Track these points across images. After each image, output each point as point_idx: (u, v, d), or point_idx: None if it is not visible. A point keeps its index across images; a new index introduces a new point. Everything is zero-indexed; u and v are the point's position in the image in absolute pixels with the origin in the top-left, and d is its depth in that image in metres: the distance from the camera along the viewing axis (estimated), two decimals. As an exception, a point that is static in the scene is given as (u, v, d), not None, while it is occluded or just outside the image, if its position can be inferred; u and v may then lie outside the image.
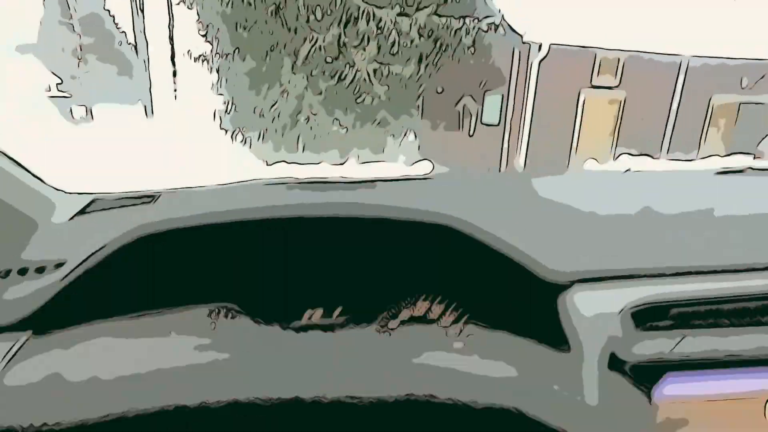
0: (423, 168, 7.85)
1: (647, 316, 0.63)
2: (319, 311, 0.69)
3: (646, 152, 8.85)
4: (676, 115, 8.87)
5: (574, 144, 8.36)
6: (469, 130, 8.97)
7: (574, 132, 8.28)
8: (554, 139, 8.24)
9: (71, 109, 25.79)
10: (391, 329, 0.69)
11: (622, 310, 0.63)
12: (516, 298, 0.68)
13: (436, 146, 10.33)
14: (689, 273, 0.67)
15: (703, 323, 0.64)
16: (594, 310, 0.62)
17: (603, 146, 8.58)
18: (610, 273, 0.67)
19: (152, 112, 23.58)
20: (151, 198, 0.88)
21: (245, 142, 8.98)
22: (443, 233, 0.66)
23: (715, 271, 0.68)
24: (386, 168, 7.68)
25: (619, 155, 8.65)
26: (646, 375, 0.53)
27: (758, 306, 0.65)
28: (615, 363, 0.57)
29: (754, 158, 6.85)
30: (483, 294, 0.70)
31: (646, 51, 8.12)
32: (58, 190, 0.76)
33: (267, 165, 8.09)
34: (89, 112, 25.24)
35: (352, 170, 7.60)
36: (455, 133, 9.42)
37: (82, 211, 0.75)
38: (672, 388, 0.50)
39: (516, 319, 0.68)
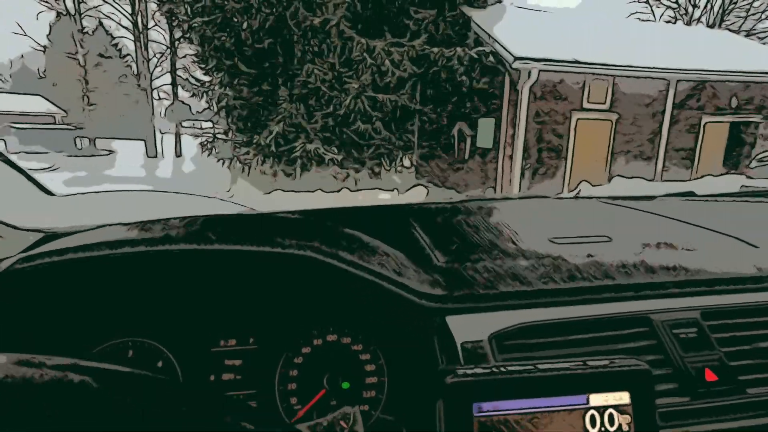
0: (418, 193, 7.92)
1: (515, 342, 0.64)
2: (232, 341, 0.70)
3: (640, 174, 8.91)
4: (668, 136, 8.96)
5: (568, 166, 8.44)
6: (464, 154, 9.07)
7: (567, 154, 8.36)
8: (548, 162, 8.31)
9: (75, 140, 26.15)
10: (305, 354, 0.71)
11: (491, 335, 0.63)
12: (402, 325, 0.69)
13: (431, 171, 10.44)
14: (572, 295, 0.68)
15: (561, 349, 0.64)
16: (463, 336, 0.63)
17: (597, 168, 8.64)
18: (482, 298, 0.67)
19: (155, 150, 23.87)
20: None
21: (242, 170, 9.10)
22: (310, 264, 0.67)
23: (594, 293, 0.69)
24: (382, 195, 7.74)
25: (613, 177, 8.70)
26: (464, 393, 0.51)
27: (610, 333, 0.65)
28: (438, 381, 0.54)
29: (747, 177, 6.88)
30: (378, 323, 0.72)
31: (635, 72, 8.28)
32: (7, 225, 0.75)
33: (264, 194, 8.17)
34: (93, 143, 25.60)
35: (348, 197, 7.66)
36: (450, 158, 9.52)
37: (30, 249, 0.76)
38: (489, 405, 0.49)
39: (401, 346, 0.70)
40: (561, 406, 0.50)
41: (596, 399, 0.51)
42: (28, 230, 0.77)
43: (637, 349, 0.64)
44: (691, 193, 1.32)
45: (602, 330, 0.65)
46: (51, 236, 0.77)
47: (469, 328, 0.64)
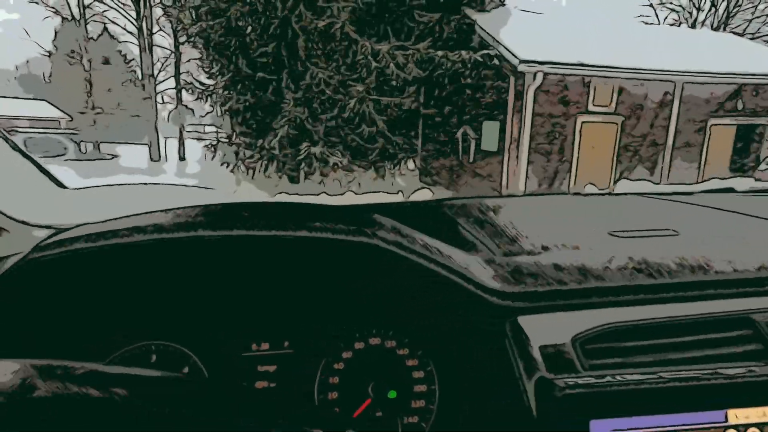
0: (423, 196, 7.89)
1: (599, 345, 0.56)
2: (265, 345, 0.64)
3: (646, 177, 8.85)
4: (674, 139, 8.91)
5: (573, 169, 8.39)
6: (469, 158, 9.05)
7: (572, 157, 8.33)
8: (553, 164, 8.28)
9: (79, 144, 26.30)
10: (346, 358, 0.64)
11: (574, 338, 0.56)
12: (463, 326, 0.62)
13: (435, 174, 10.41)
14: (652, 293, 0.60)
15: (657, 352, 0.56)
16: (542, 339, 0.56)
17: (602, 171, 8.60)
18: (560, 295, 0.60)
19: (158, 154, 24.00)
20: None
21: (247, 173, 9.10)
22: (373, 253, 0.59)
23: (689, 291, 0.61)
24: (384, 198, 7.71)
25: (619, 179, 8.65)
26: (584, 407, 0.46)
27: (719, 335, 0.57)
28: (547, 392, 0.49)
29: (756, 180, 6.81)
30: (431, 323, 0.65)
31: (640, 75, 8.24)
32: (17, 221, 0.70)
33: (268, 197, 8.16)
34: (97, 147, 25.74)
35: (351, 200, 7.64)
36: (454, 161, 9.50)
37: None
38: (614, 423, 0.44)
39: (467, 351, 0.63)
40: (694, 425, 0.43)
41: (736, 415, 0.44)
42: (38, 226, 0.73)
43: (741, 355, 0.56)
44: (730, 190, 1.27)
45: (699, 333, 0.57)
46: (62, 233, 0.73)
47: (546, 329, 0.57)
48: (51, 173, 0.90)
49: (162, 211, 0.69)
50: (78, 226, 0.71)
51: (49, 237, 0.62)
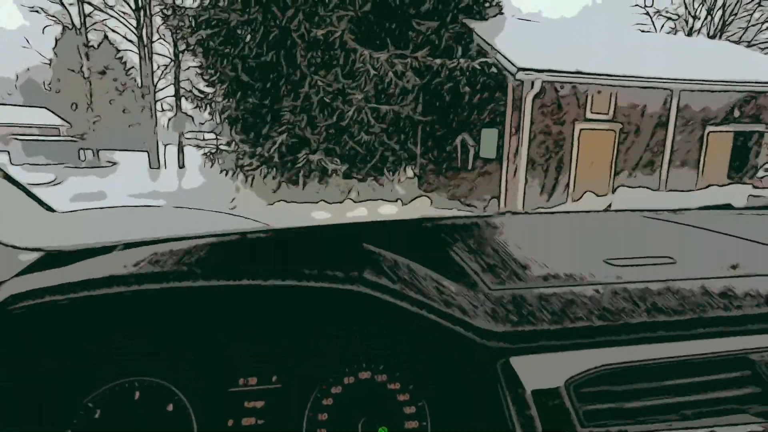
0: (422, 204, 7.89)
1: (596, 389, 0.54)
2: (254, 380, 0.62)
3: (645, 184, 8.87)
4: (672, 146, 8.94)
5: (572, 176, 8.41)
6: (468, 165, 9.06)
7: (571, 165, 8.34)
8: (551, 171, 8.29)
9: (79, 152, 26.30)
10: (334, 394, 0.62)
11: (567, 381, 0.54)
12: (454, 366, 0.61)
13: (434, 182, 10.42)
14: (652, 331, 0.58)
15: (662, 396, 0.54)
16: (534, 383, 0.57)
17: (600, 178, 8.61)
18: (554, 335, 0.58)
19: (158, 162, 24.03)
20: (110, 250, 0.79)
21: (246, 181, 9.11)
22: (358, 300, 0.58)
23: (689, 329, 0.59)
24: (383, 206, 7.72)
25: (617, 187, 8.66)
26: None
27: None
28: None
29: (754, 187, 6.83)
30: (421, 360, 0.64)
31: (637, 83, 8.28)
32: (5, 245, 0.69)
33: (267, 205, 8.16)
34: (96, 154, 25.76)
35: (350, 207, 7.63)
36: (453, 168, 9.51)
37: (30, 269, 0.69)
38: None
39: (457, 390, 0.61)
40: None
41: None
42: (27, 249, 0.72)
43: (741, 399, 0.54)
44: (729, 206, 1.25)
45: (696, 374, 0.56)
46: (52, 255, 0.72)
47: (539, 371, 0.55)
48: (39, 197, 0.89)
49: (143, 245, 0.68)
50: (59, 252, 0.70)
51: (33, 265, 0.62)
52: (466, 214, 1.15)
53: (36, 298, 0.55)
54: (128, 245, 0.79)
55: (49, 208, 0.92)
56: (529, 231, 1.01)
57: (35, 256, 0.72)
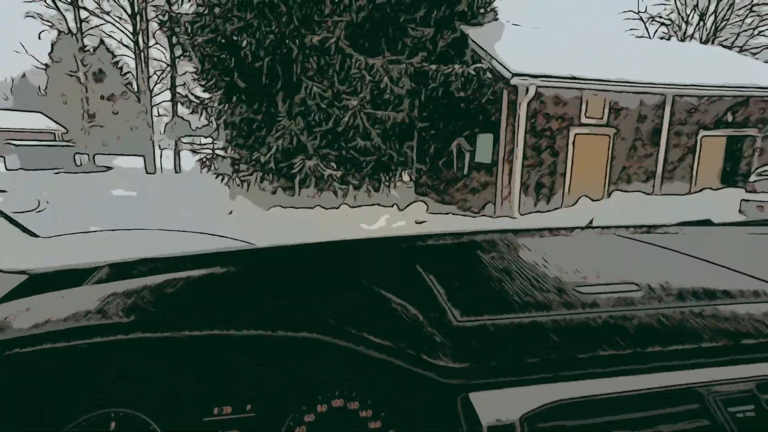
0: (418, 209, 7.91)
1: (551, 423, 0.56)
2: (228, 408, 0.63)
3: (639, 188, 8.93)
4: (666, 151, 9.01)
5: (567, 181, 8.46)
6: (463, 170, 9.10)
7: (566, 169, 8.39)
8: (547, 176, 8.33)
9: (75, 157, 26.17)
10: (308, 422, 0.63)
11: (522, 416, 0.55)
12: (417, 402, 0.62)
13: (430, 187, 10.45)
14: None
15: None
16: (491, 418, 0.56)
17: (595, 182, 8.66)
18: (513, 371, 0.60)
19: (154, 167, 23.97)
20: (93, 271, 0.80)
21: (242, 187, 9.10)
22: (318, 346, 0.61)
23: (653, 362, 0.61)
24: (379, 211, 7.73)
25: (612, 192, 8.71)
26: None
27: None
28: None
29: (746, 191, 6.88)
30: (390, 394, 0.65)
31: (631, 88, 8.36)
32: None
33: (263, 211, 8.15)
34: (92, 159, 25.67)
35: (346, 213, 7.64)
36: (449, 173, 9.55)
37: (13, 292, 0.70)
38: None
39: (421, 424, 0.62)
40: None
41: None
42: (11, 272, 0.73)
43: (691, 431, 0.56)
44: (708, 222, 1.26)
45: (648, 408, 0.58)
46: (37, 277, 0.73)
47: (496, 406, 0.57)
48: (21, 224, 0.90)
49: (126, 265, 0.69)
50: (43, 274, 0.71)
51: (18, 288, 0.63)
52: (447, 231, 1.16)
53: (13, 348, 0.58)
54: (112, 266, 0.80)
55: (33, 234, 0.93)
56: (505, 254, 1.03)
57: (21, 278, 0.73)
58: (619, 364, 0.61)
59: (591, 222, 1.24)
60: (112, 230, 1.16)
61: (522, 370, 0.60)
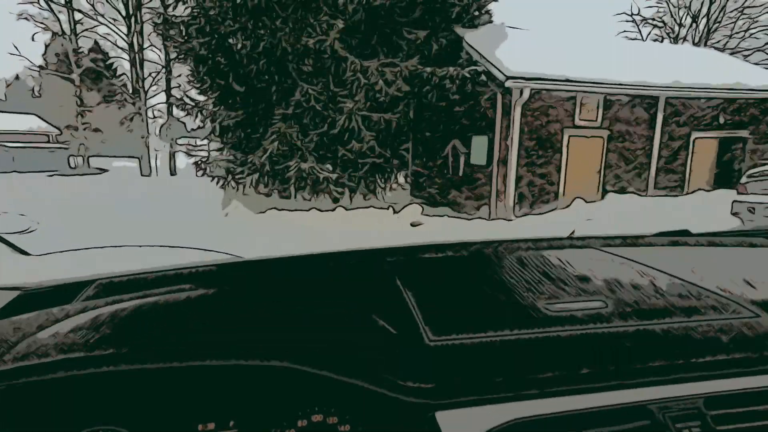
0: (413, 211, 7.92)
1: None
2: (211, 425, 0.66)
3: (633, 189, 8.99)
4: (659, 152, 9.09)
5: (561, 182, 8.50)
6: (458, 172, 9.13)
7: (560, 171, 8.44)
8: (541, 178, 8.38)
9: (69, 159, 26.00)
10: None
11: None
12: (390, 418, 0.65)
13: (426, 189, 10.47)
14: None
15: None
16: None
17: (590, 184, 8.72)
18: (475, 390, 0.62)
19: (149, 169, 23.84)
20: (85, 286, 0.82)
21: (237, 189, 9.08)
22: (289, 373, 0.65)
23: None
24: (376, 214, 7.74)
25: (606, 193, 8.77)
26: None
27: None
28: None
29: (738, 193, 6.94)
30: (365, 411, 0.68)
31: (625, 90, 8.42)
32: None
33: (258, 213, 8.14)
34: (86, 162, 25.51)
35: (341, 216, 7.64)
36: (444, 176, 9.57)
37: (5, 308, 0.71)
38: None
39: None
40: None
41: None
42: (4, 288, 0.74)
43: None
44: (686, 232, 1.28)
45: (602, 425, 0.61)
46: (29, 293, 0.75)
47: (460, 425, 0.60)
48: (13, 243, 0.92)
49: (115, 279, 0.70)
50: (35, 291, 0.72)
51: (9, 305, 0.65)
52: (430, 243, 1.18)
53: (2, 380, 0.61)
54: (99, 282, 0.82)
55: (24, 252, 0.95)
56: (483, 269, 1.05)
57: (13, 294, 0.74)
58: (579, 382, 0.64)
59: (572, 233, 1.27)
60: (101, 248, 1.17)
61: (487, 389, 0.63)
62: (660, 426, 0.61)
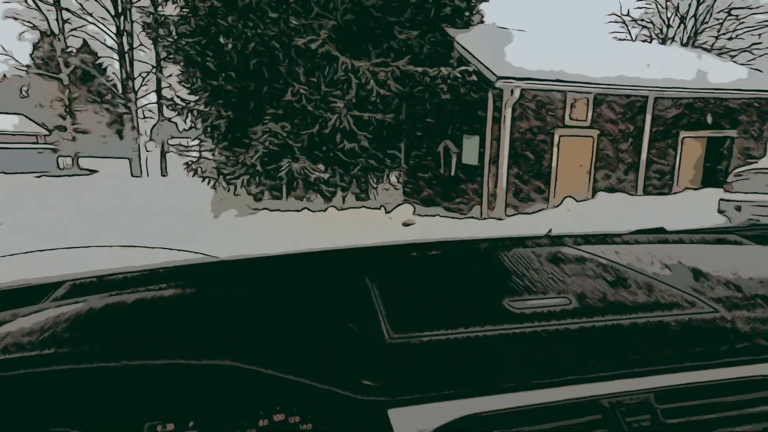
0: (405, 211, 7.93)
1: None
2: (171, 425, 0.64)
3: (623, 188, 9.08)
4: (648, 152, 9.19)
5: (552, 181, 8.56)
6: (450, 171, 9.16)
7: (551, 170, 8.50)
8: (532, 177, 8.43)
9: (57, 160, 25.69)
10: None
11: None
12: (347, 416, 0.65)
13: (418, 189, 10.49)
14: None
15: None
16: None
17: (580, 184, 8.79)
18: (427, 387, 0.63)
19: (140, 170, 23.62)
20: (52, 289, 0.82)
21: (228, 190, 9.03)
22: (244, 373, 0.64)
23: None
24: (367, 214, 7.74)
25: (596, 192, 8.85)
26: None
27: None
28: None
29: (725, 191, 7.04)
30: (323, 411, 0.68)
31: (614, 90, 8.50)
32: None
33: (250, 213, 8.10)
34: (75, 162, 25.23)
35: (333, 216, 7.63)
36: (437, 175, 9.60)
37: None
38: None
39: None
40: None
41: None
42: None
43: None
44: (661, 230, 1.29)
45: (553, 419, 0.61)
46: None
47: (411, 421, 0.60)
48: None
49: (87, 280, 0.70)
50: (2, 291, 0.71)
51: None
52: (406, 242, 1.18)
53: None
54: (67, 283, 0.82)
55: None
56: (453, 268, 1.05)
57: None
58: (535, 377, 0.64)
59: (550, 231, 1.28)
60: (72, 248, 1.16)
61: (442, 386, 0.63)
62: (611, 420, 0.61)
